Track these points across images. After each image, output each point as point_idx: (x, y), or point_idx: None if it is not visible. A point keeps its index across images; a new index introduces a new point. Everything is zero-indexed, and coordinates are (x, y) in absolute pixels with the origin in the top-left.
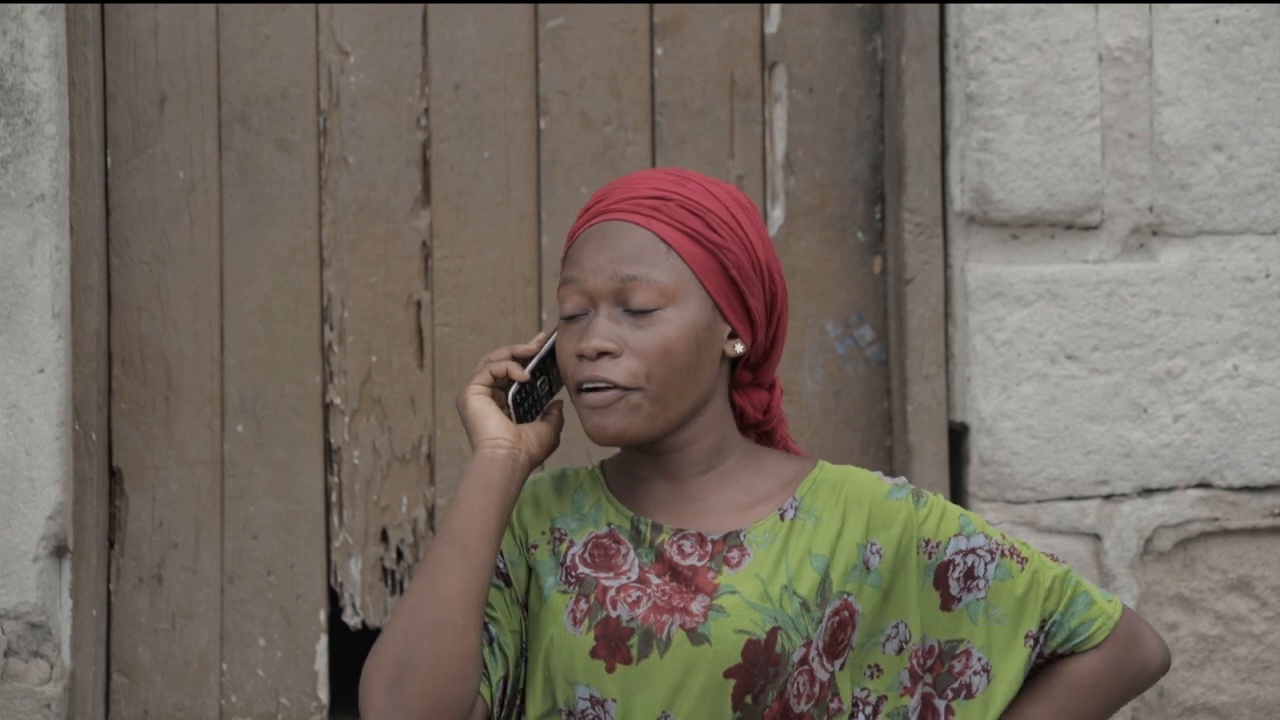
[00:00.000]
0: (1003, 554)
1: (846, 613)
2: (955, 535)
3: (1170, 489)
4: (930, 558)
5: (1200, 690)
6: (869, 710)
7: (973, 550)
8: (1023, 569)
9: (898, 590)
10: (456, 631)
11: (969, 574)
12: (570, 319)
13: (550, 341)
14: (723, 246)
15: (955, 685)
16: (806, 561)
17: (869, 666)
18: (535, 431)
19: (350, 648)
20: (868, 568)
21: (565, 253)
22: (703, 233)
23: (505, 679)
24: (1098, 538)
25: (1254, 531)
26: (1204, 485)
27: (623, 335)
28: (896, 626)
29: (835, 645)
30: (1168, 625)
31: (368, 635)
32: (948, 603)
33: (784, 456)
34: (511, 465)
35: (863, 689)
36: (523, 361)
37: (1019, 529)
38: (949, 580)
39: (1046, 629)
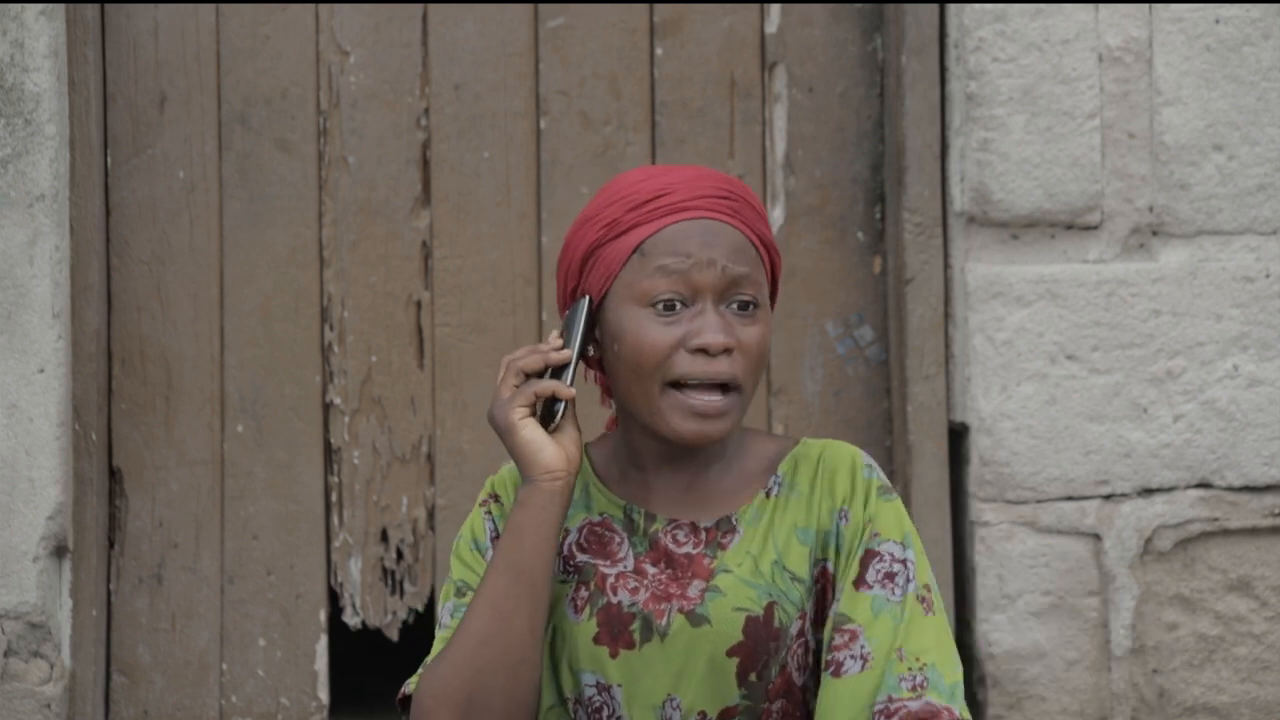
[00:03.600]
0: (918, 597)
1: (826, 579)
2: (896, 541)
3: (1170, 489)
4: (872, 537)
5: (1200, 690)
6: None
7: (904, 561)
8: (927, 614)
9: (851, 553)
10: (529, 667)
11: (889, 575)
12: (667, 308)
13: (578, 345)
14: (776, 250)
15: (829, 658)
16: (793, 536)
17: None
18: (574, 443)
19: (350, 648)
20: (838, 532)
21: (637, 246)
22: (766, 236)
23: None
24: (1098, 538)
25: (1254, 531)
26: (1204, 485)
27: (733, 331)
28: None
29: (820, 612)
30: (1168, 625)
31: (368, 635)
32: (859, 583)
33: (765, 435)
34: (568, 494)
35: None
36: (557, 371)
37: (1019, 529)
38: (869, 566)
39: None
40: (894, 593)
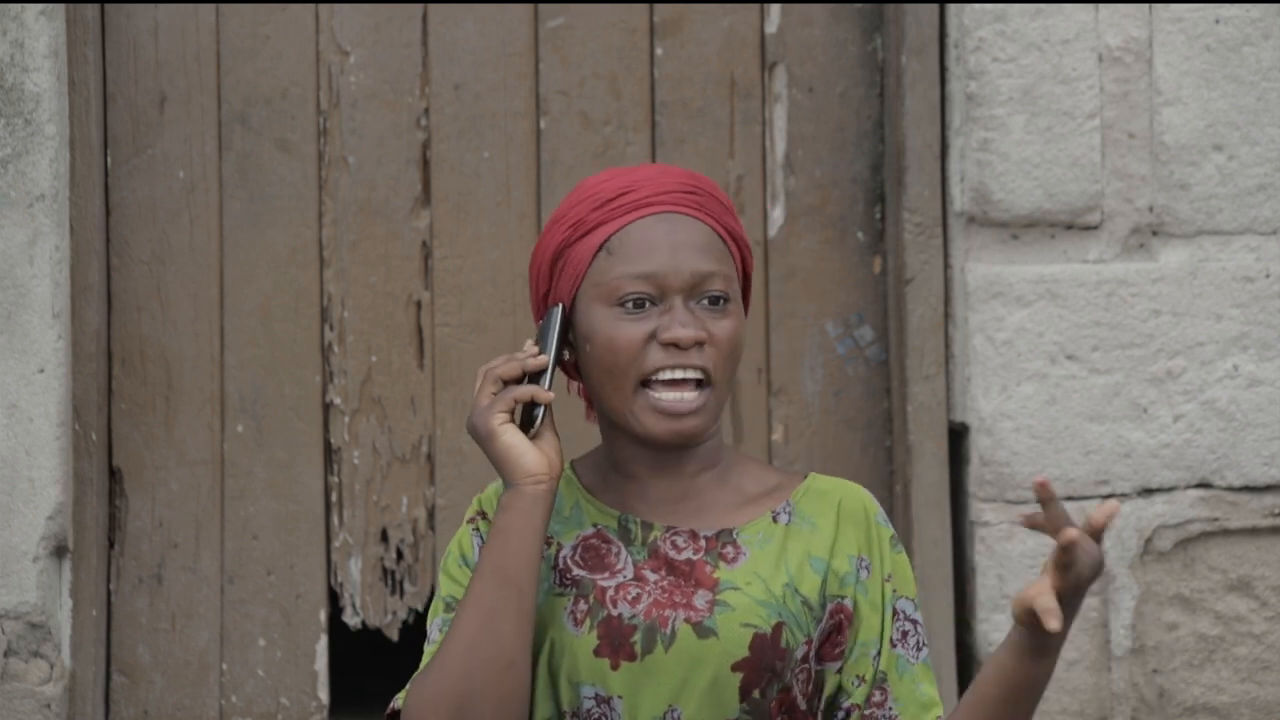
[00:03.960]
0: (923, 661)
1: (842, 615)
2: (909, 599)
3: (1170, 489)
4: (893, 594)
5: (1200, 690)
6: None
7: (914, 622)
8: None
9: (879, 607)
10: (516, 671)
11: (904, 634)
12: (636, 305)
13: (554, 350)
14: (747, 244)
15: (867, 712)
16: (806, 563)
17: (857, 676)
18: (554, 448)
19: (350, 648)
20: (858, 579)
21: (602, 244)
22: (735, 229)
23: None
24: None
25: (1254, 531)
26: (1204, 485)
27: (703, 325)
28: (879, 642)
29: (830, 648)
30: (1168, 625)
31: (368, 635)
32: (892, 642)
33: (766, 465)
34: (551, 498)
35: (848, 696)
36: (535, 377)
37: (1019, 529)
38: (892, 624)
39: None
40: (909, 653)
